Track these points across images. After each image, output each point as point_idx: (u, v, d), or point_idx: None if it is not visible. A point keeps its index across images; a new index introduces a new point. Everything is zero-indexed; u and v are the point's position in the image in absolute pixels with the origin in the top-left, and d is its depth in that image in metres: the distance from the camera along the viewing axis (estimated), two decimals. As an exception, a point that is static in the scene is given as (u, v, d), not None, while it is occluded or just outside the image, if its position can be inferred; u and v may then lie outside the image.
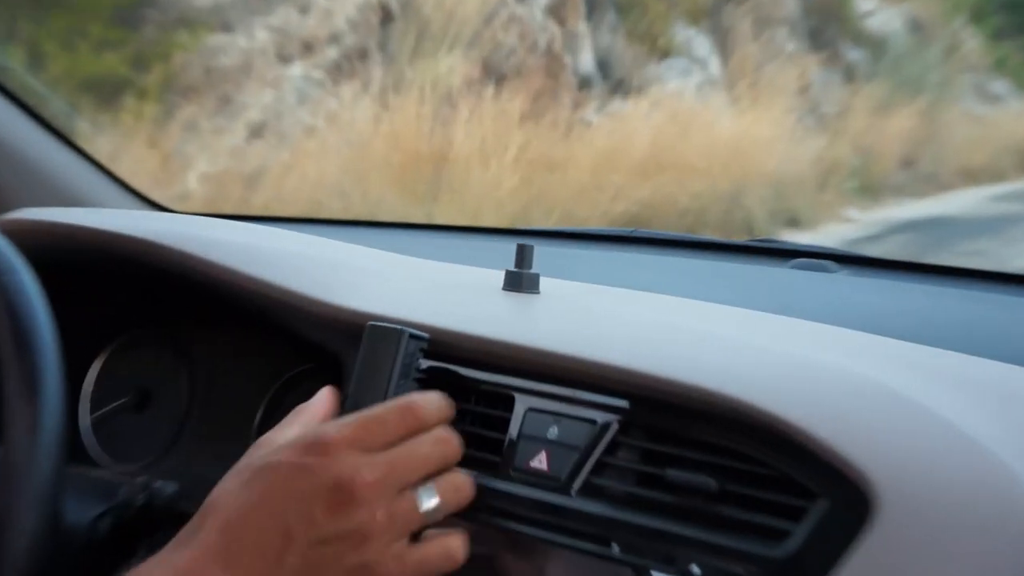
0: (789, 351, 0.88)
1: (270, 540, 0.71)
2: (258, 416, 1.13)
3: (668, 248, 1.45)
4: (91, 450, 1.19)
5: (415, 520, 0.74)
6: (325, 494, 0.71)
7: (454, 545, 0.76)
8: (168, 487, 0.89)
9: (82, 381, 1.21)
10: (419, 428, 0.77)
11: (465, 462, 0.85)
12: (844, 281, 1.27)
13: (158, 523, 0.88)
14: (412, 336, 0.84)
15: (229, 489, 0.74)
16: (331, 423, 0.77)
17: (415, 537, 0.75)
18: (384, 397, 0.83)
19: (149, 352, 1.21)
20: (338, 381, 0.97)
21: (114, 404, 1.19)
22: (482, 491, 0.82)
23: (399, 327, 0.84)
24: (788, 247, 1.42)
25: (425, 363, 0.88)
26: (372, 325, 0.85)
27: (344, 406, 0.84)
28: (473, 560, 0.78)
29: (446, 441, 0.77)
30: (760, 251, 1.41)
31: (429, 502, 0.75)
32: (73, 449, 1.16)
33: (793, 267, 1.30)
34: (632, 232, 1.50)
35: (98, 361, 1.22)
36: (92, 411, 1.20)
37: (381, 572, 0.72)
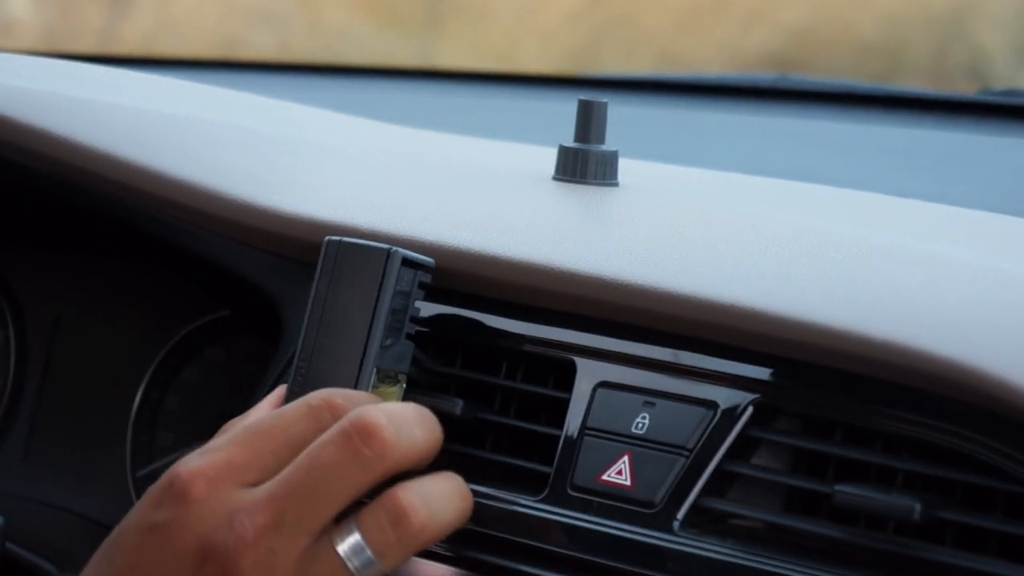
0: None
1: None
2: (136, 400, 1.15)
3: (838, 107, 1.44)
4: None
5: None
6: (190, 568, 0.73)
7: None
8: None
9: None
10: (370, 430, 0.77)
11: (494, 474, 0.86)
12: None
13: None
14: (407, 261, 0.85)
15: (89, 569, 0.77)
16: (208, 449, 0.78)
17: None
18: (362, 361, 0.84)
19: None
20: (272, 338, 0.98)
21: None
22: (521, 523, 0.83)
23: (385, 246, 0.84)
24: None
25: (427, 308, 0.89)
26: (335, 241, 0.85)
27: (293, 374, 0.85)
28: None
29: (367, 433, 0.76)
30: (1001, 110, 1.40)
31: (357, 555, 0.76)
32: None
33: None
34: (776, 81, 1.49)
35: None
36: None
37: None
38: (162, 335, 1.15)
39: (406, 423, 0.77)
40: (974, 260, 0.92)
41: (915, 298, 0.85)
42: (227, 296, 1.08)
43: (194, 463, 0.76)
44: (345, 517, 0.76)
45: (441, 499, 0.78)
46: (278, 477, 0.75)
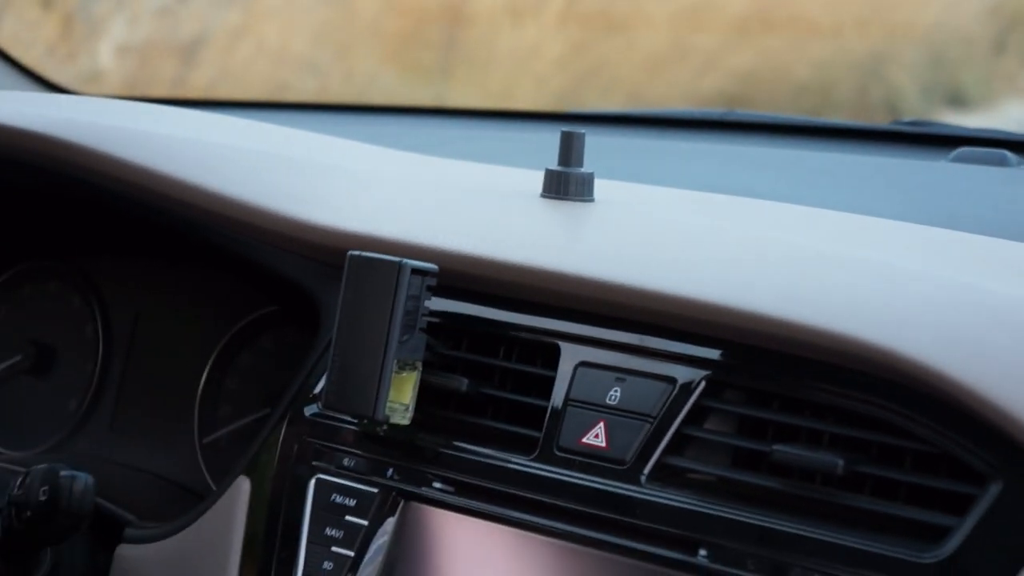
0: (951, 279, 0.88)
1: None
2: (202, 381, 1.15)
3: (776, 136, 1.44)
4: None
5: None
6: None
7: None
8: (78, 478, 0.90)
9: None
10: None
11: (493, 439, 0.86)
12: (1026, 178, 1.26)
13: (66, 527, 0.89)
14: (414, 269, 0.85)
15: None
16: None
17: None
18: (384, 355, 0.84)
19: (49, 294, 1.23)
20: (312, 329, 0.98)
21: (3, 365, 1.21)
22: (516, 478, 0.83)
23: (396, 259, 0.85)
24: (949, 132, 1.41)
25: (433, 304, 0.88)
26: (356, 256, 0.86)
27: (330, 367, 0.85)
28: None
29: None
30: (909, 138, 1.40)
31: None
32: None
33: (955, 159, 1.29)
34: (724, 115, 1.49)
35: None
36: (-30, 375, 1.22)
37: None
38: (222, 327, 1.15)
39: None
40: (887, 260, 0.92)
41: (838, 291, 0.85)
42: (275, 294, 1.08)
43: None
44: None
45: None
46: None
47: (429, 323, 0.86)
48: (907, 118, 1.76)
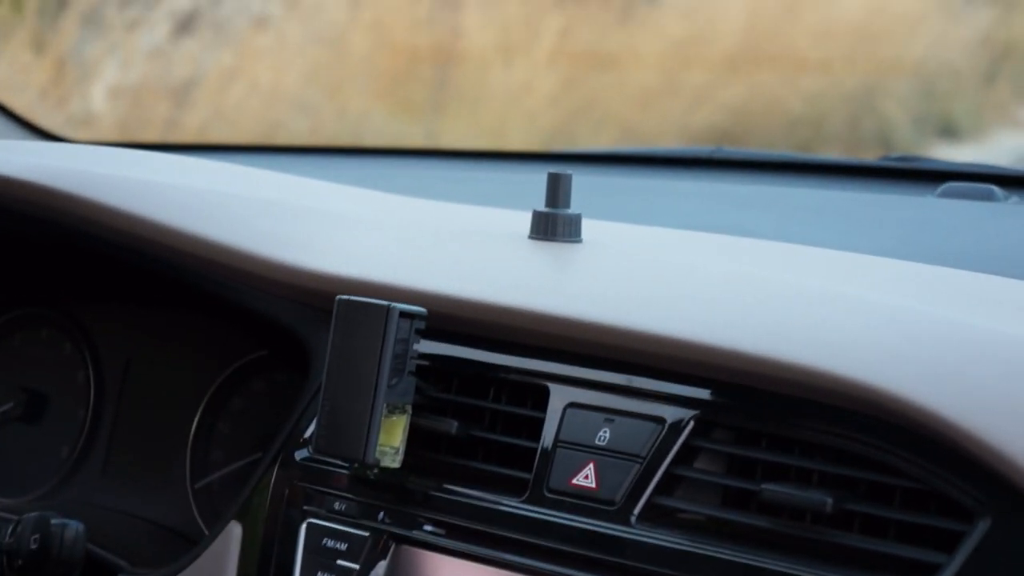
0: (941, 317, 0.88)
1: None
2: (194, 424, 1.14)
3: (765, 173, 1.44)
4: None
5: None
6: None
7: None
8: (70, 526, 0.90)
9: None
10: None
11: (483, 480, 0.86)
12: (1015, 212, 1.26)
13: (58, 574, 0.89)
14: (404, 314, 0.85)
15: None
16: None
17: None
18: (373, 399, 0.84)
19: (40, 341, 1.23)
20: (303, 373, 0.98)
21: (-5, 412, 1.21)
22: (507, 520, 0.83)
23: (385, 303, 0.85)
24: (937, 167, 1.42)
25: (423, 348, 0.88)
26: (345, 300, 0.86)
27: (320, 411, 0.85)
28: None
29: None
30: (898, 174, 1.41)
31: None
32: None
33: (943, 195, 1.29)
34: (712, 152, 1.49)
35: (-33, 354, 1.23)
36: (-38, 423, 1.22)
37: None
38: (214, 371, 1.15)
39: None
40: (874, 297, 0.92)
41: (825, 329, 0.85)
42: (265, 338, 1.08)
43: None
44: None
45: None
46: None
47: (418, 366, 0.86)
48: (896, 153, 1.77)
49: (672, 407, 0.83)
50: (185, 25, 5.97)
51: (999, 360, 0.81)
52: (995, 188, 1.29)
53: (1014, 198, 1.28)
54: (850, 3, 6.93)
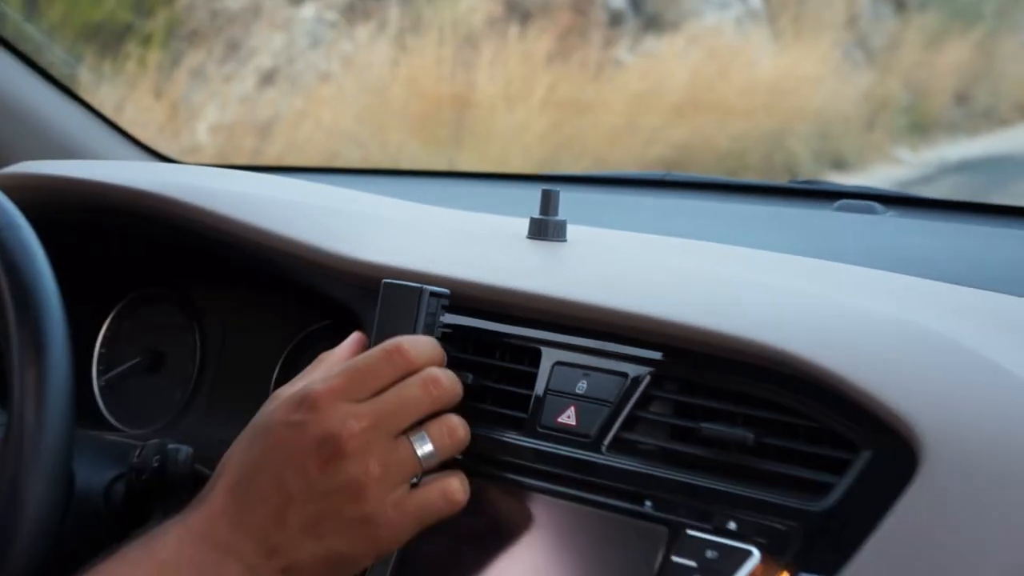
0: (832, 297, 0.88)
1: (272, 499, 0.74)
2: (274, 376, 1.14)
3: (703, 192, 1.44)
4: (103, 413, 1.20)
5: (411, 467, 0.76)
6: (316, 450, 0.74)
7: (454, 487, 0.78)
8: (182, 450, 0.90)
9: (91, 342, 1.22)
10: (409, 371, 0.78)
11: (491, 419, 0.86)
12: (891, 223, 1.26)
13: (173, 486, 0.89)
14: (432, 293, 0.84)
15: (236, 450, 0.78)
16: (319, 376, 0.78)
17: (415, 485, 0.77)
18: None
19: (160, 312, 1.22)
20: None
21: (125, 366, 1.20)
22: (508, 448, 0.83)
23: (418, 285, 0.84)
24: (832, 188, 1.42)
25: (447, 319, 0.88)
26: (387, 283, 0.85)
27: None
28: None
29: (436, 382, 0.78)
30: (802, 193, 1.41)
31: (423, 447, 0.76)
32: (84, 413, 1.17)
33: (837, 209, 1.29)
34: (664, 176, 1.49)
35: (107, 321, 1.23)
36: (102, 373, 1.21)
37: (382, 522, 0.74)
38: (290, 335, 1.14)
39: (452, 381, 0.79)
40: (785, 283, 0.92)
41: (747, 307, 0.85)
42: (328, 311, 1.08)
43: (319, 386, 0.76)
44: (411, 428, 0.77)
45: (461, 425, 0.79)
46: (378, 399, 0.76)
47: (443, 333, 0.86)
48: (801, 179, 1.77)
49: (634, 365, 0.83)
50: (268, 78, 5.97)
51: (872, 328, 0.81)
52: (876, 204, 1.29)
53: (890, 212, 1.28)
54: (766, 67, 6.93)
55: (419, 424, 0.77)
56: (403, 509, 0.75)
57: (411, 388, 0.77)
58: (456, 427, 0.78)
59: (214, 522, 0.74)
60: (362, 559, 0.76)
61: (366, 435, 0.74)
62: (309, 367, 0.84)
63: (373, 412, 0.75)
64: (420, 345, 0.79)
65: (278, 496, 0.73)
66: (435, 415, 0.78)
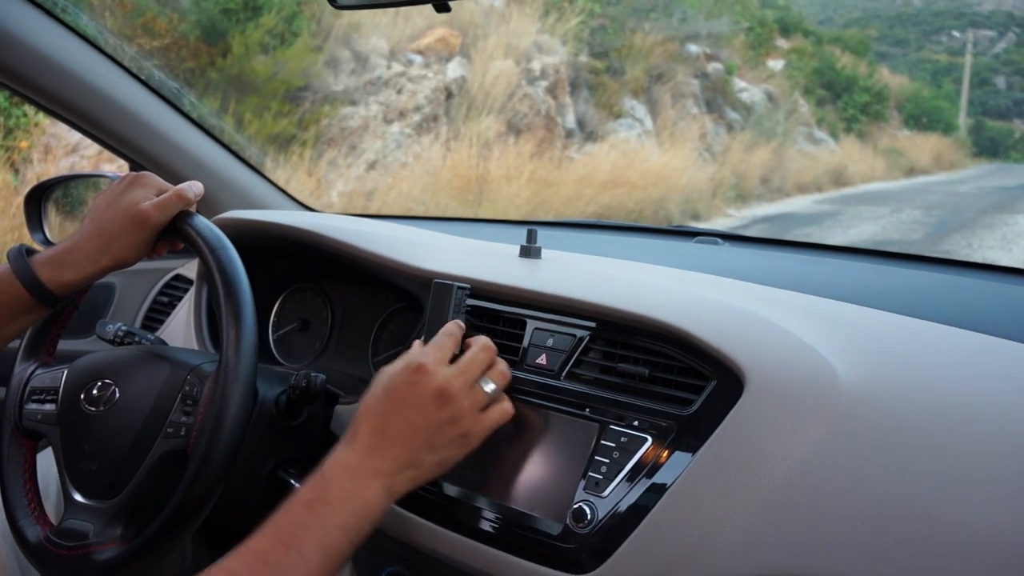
0: (693, 291, 0.86)
1: (403, 435, 0.70)
2: (372, 336, 1.12)
3: (621, 231, 1.43)
4: (275, 355, 1.18)
5: (483, 400, 0.74)
6: (432, 399, 0.71)
7: (507, 407, 0.76)
8: (320, 377, 0.88)
9: (269, 314, 1.20)
10: (458, 342, 0.76)
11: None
12: (728, 251, 1.25)
13: (313, 397, 0.87)
14: (460, 287, 0.82)
15: (370, 405, 0.72)
16: (420, 352, 0.74)
17: (485, 409, 0.74)
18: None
19: (307, 297, 1.20)
20: (419, 314, 0.96)
21: (287, 328, 1.19)
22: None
23: (452, 282, 0.82)
24: (693, 230, 1.39)
25: (470, 302, 0.87)
26: (436, 282, 0.83)
27: (425, 333, 0.83)
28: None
29: (490, 348, 0.76)
30: (675, 232, 1.39)
31: (488, 386, 0.74)
32: (263, 354, 1.16)
33: (696, 242, 1.28)
34: (599, 221, 1.48)
35: (277, 302, 1.21)
36: (274, 332, 1.20)
37: (471, 434, 0.72)
38: (380, 313, 1.13)
39: (494, 346, 0.77)
40: (667, 283, 0.90)
41: (646, 296, 0.83)
42: (403, 298, 1.06)
43: (422, 359, 0.73)
44: (483, 375, 0.75)
45: (507, 370, 0.77)
46: (460, 361, 0.74)
47: (466, 310, 0.84)
48: (674, 224, 1.75)
49: (580, 330, 0.81)
50: (372, 166, 5.95)
51: (717, 308, 0.79)
52: (718, 239, 1.27)
53: (726, 244, 1.27)
54: (654, 161, 6.94)
55: (484, 372, 0.75)
56: (482, 424, 0.72)
57: (479, 353, 0.75)
58: (505, 371, 0.76)
59: (363, 456, 0.68)
60: (459, 457, 0.72)
61: (462, 385, 0.72)
62: (405, 354, 0.75)
63: (461, 371, 0.73)
64: (458, 325, 0.78)
65: (408, 430, 0.69)
66: (491, 367, 0.76)
